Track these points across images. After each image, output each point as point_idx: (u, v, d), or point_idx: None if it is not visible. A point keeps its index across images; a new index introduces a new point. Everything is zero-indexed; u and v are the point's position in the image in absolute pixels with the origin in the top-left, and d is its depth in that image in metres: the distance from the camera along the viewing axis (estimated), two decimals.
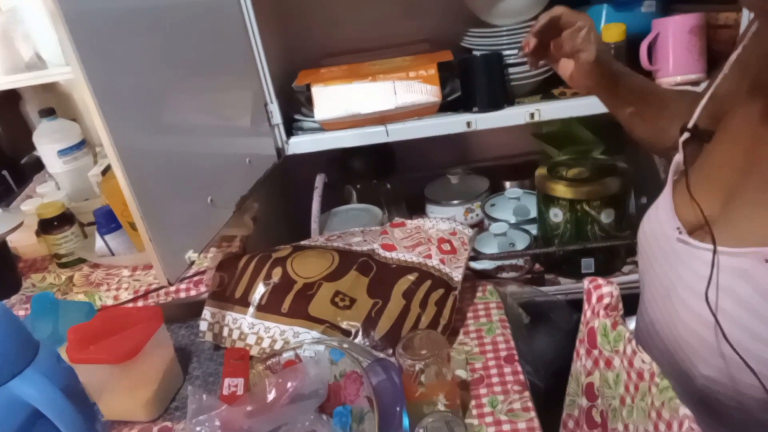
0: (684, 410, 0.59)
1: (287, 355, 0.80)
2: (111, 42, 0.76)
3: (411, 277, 0.94)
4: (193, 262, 0.85)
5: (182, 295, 1.05)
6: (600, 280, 0.75)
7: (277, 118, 1.16)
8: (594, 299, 0.74)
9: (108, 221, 1.10)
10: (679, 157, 0.73)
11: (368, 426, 0.67)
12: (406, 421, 0.70)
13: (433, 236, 1.01)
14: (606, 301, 0.73)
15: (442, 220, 1.03)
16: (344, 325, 0.89)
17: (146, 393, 0.85)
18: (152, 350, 0.86)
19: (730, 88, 0.71)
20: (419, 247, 0.99)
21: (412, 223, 1.05)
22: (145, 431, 0.84)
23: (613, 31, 1.11)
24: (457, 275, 0.96)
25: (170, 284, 0.80)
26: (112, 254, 1.12)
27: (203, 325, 0.98)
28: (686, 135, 0.73)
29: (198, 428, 0.59)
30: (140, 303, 1.05)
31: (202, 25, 0.98)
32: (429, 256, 0.97)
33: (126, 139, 0.76)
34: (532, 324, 1.13)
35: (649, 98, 0.83)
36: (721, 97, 0.72)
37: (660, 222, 0.72)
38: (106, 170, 1.25)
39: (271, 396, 0.71)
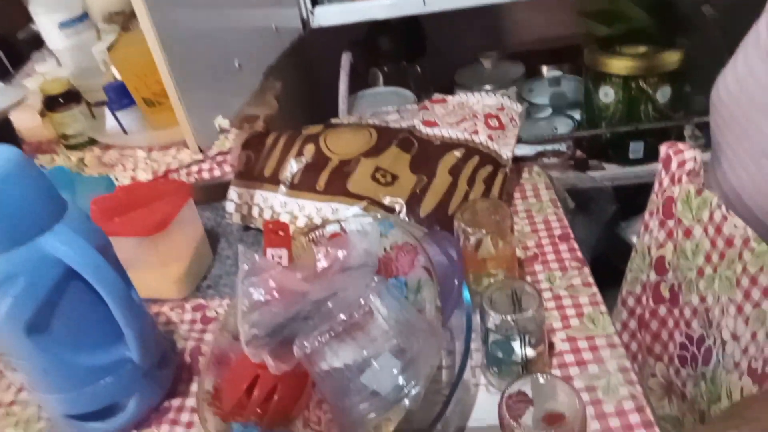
0: None
1: (331, 228, 0.73)
2: None
3: (457, 153, 0.86)
4: (223, 130, 0.77)
5: (205, 175, 0.98)
6: (681, 145, 0.68)
7: None
8: (674, 165, 0.68)
9: (120, 96, 1.01)
10: None
11: (427, 294, 0.62)
12: (466, 294, 0.65)
13: (479, 112, 0.93)
14: (689, 166, 0.66)
15: (488, 95, 0.95)
16: (387, 201, 0.83)
17: (177, 269, 0.80)
18: (181, 224, 0.79)
19: None
20: (464, 123, 0.91)
21: (453, 99, 0.96)
22: (177, 308, 0.79)
23: None
24: (507, 152, 0.88)
25: (201, 151, 0.72)
26: (125, 132, 1.04)
27: (230, 206, 0.91)
28: None
29: (251, 289, 0.53)
30: None
31: None
32: (476, 132, 0.89)
33: (160, 10, 0.68)
34: (573, 215, 1.08)
35: None
36: None
37: (754, 71, 0.63)
38: (111, 47, 1.14)
39: (320, 266, 0.65)
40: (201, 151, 0.72)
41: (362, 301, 0.53)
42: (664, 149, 0.68)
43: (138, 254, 0.77)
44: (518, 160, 1.14)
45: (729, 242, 0.60)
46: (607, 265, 0.88)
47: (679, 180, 0.66)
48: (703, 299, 0.65)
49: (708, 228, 0.63)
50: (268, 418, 0.54)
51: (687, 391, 0.69)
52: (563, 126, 1.14)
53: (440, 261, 0.68)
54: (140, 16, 0.69)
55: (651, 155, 1.09)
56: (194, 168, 0.99)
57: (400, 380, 0.51)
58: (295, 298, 0.56)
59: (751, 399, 0.42)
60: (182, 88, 0.72)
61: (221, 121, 0.76)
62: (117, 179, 0.99)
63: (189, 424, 0.64)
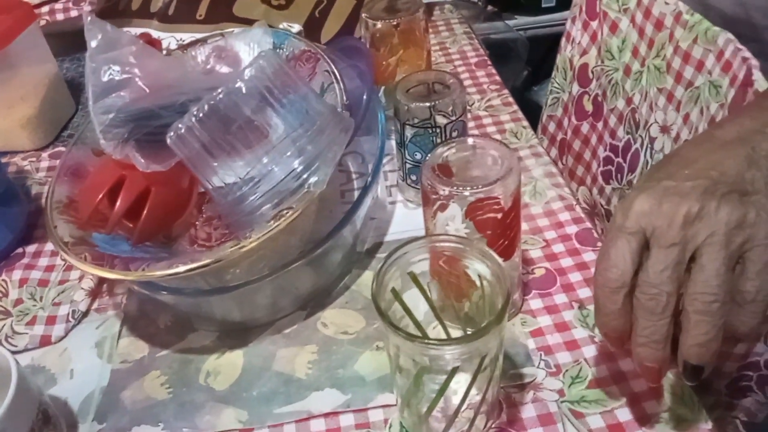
0: (726, 35, 0.48)
1: (214, 43, 0.61)
2: None
3: None
4: None
5: (59, 17, 0.81)
6: None
7: None
8: None
9: None
10: None
11: (331, 97, 0.52)
12: (381, 114, 0.55)
13: None
14: None
15: None
16: (281, 26, 0.71)
17: (26, 111, 0.66)
18: (25, 55, 0.65)
19: None
20: None
21: None
22: (31, 158, 0.65)
23: None
24: None
25: None
26: None
27: None
28: None
29: (104, 66, 0.41)
30: None
31: None
32: None
33: None
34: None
35: None
36: None
37: None
38: None
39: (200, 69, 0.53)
40: None
41: (250, 75, 0.43)
42: None
43: None
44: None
45: (659, 24, 0.55)
46: None
47: None
48: (629, 101, 0.60)
49: (635, 15, 0.58)
50: (140, 231, 0.43)
51: (611, 208, 0.66)
52: None
53: (348, 75, 0.59)
54: None
55: (564, 3, 1.04)
56: (45, 9, 0.81)
57: (296, 165, 0.41)
58: (167, 86, 0.45)
59: (681, 146, 0.37)
60: None
61: None
62: None
63: (49, 268, 0.52)
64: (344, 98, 0.52)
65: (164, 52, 0.70)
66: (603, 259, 0.33)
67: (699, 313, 0.30)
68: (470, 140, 0.41)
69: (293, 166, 0.42)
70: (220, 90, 0.42)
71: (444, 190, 0.37)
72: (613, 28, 0.60)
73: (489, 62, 0.75)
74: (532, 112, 0.85)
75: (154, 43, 0.62)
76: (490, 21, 1.03)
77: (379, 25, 0.57)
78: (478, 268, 0.35)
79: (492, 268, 0.33)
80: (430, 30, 0.83)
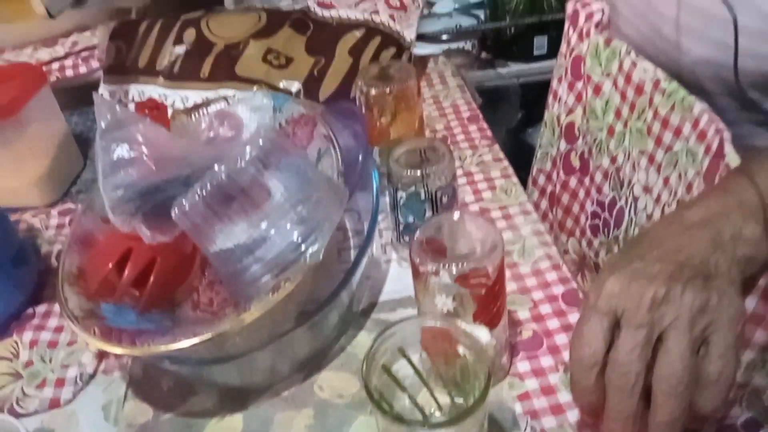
0: (701, 105, 0.51)
1: (217, 107, 0.64)
2: None
3: (357, 33, 0.79)
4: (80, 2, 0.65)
5: (68, 73, 0.84)
6: None
7: None
8: (582, 19, 0.64)
9: None
10: None
11: (327, 162, 0.55)
12: (375, 174, 0.58)
13: None
14: (597, 18, 0.63)
15: None
16: (282, 84, 0.75)
17: (36, 170, 0.68)
18: (36, 115, 0.68)
19: None
20: (363, 4, 0.84)
21: None
22: (40, 215, 0.68)
23: None
24: (410, 34, 0.82)
25: (51, 16, 0.60)
26: None
27: None
28: None
29: (113, 145, 0.44)
30: None
31: None
32: (376, 12, 0.82)
33: None
34: (481, 109, 1.04)
35: None
36: None
37: None
38: None
39: (204, 137, 0.56)
40: (50, 16, 0.60)
41: (251, 156, 0.45)
42: (570, 5, 0.65)
43: None
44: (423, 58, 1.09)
45: (639, 89, 0.58)
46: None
47: (587, 34, 0.63)
48: (613, 160, 0.63)
49: (618, 80, 0.60)
50: (146, 299, 0.45)
51: (600, 261, 0.68)
52: (467, 24, 1.10)
53: (343, 137, 0.62)
54: None
55: (555, 50, 1.07)
56: (55, 66, 0.85)
57: (296, 237, 0.44)
58: (172, 161, 0.48)
59: (651, 226, 0.40)
60: None
61: None
62: None
63: (58, 329, 0.54)
64: (340, 164, 0.55)
65: (170, 113, 0.74)
66: (577, 336, 0.35)
67: (665, 394, 0.32)
68: (456, 215, 0.43)
69: (292, 238, 0.44)
70: (222, 168, 0.45)
71: (432, 266, 0.40)
72: (597, 90, 0.63)
73: (481, 116, 0.78)
74: (526, 154, 0.88)
75: (160, 107, 0.65)
76: (484, 69, 1.06)
77: (373, 91, 0.60)
78: (463, 344, 0.37)
79: (475, 349, 0.36)
80: (425, 82, 0.86)
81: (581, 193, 0.69)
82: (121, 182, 0.44)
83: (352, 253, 0.60)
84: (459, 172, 0.69)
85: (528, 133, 1.23)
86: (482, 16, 1.12)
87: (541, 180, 0.75)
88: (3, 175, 0.67)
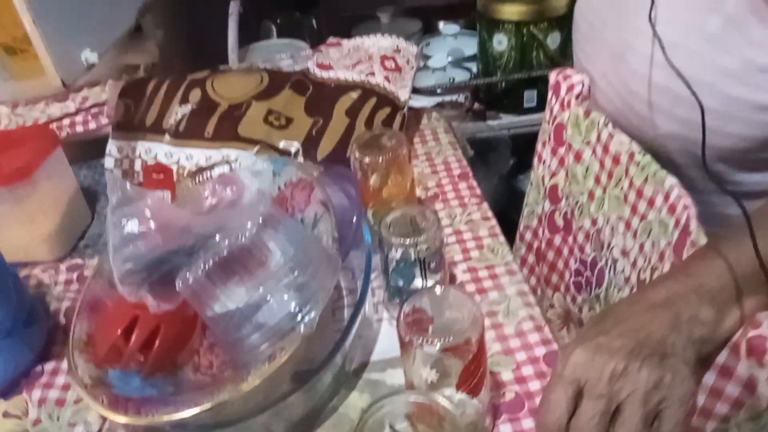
0: (671, 179, 0.55)
1: (220, 170, 0.68)
2: None
3: (354, 95, 0.83)
4: (91, 65, 0.69)
5: (78, 129, 0.89)
6: (569, 70, 0.69)
7: None
8: (563, 90, 0.68)
9: None
10: None
11: (324, 228, 0.59)
12: (367, 236, 0.62)
13: (375, 54, 0.90)
14: (577, 90, 0.67)
15: (384, 37, 0.92)
16: (282, 144, 0.78)
17: (46, 226, 0.72)
18: (49, 175, 0.71)
19: None
20: (360, 66, 0.88)
21: (349, 42, 0.93)
22: (49, 269, 0.71)
23: None
24: (404, 94, 0.87)
25: (65, 86, 0.65)
26: None
27: (109, 162, 0.83)
28: None
29: (124, 220, 0.48)
30: None
31: None
32: (372, 74, 0.87)
33: None
34: (472, 162, 1.08)
35: None
36: None
37: None
38: None
39: (208, 203, 0.60)
40: (64, 86, 0.64)
41: (251, 225, 0.49)
42: (553, 76, 0.69)
43: (1, 213, 0.68)
44: (418, 111, 1.14)
45: (616, 160, 0.62)
46: (506, 218, 0.89)
47: (568, 104, 0.67)
48: (594, 222, 0.67)
49: (596, 149, 0.64)
50: (151, 364, 0.49)
51: (583, 317, 0.71)
52: (460, 77, 1.14)
53: (338, 198, 0.65)
54: None
55: (544, 103, 1.12)
56: (66, 122, 0.89)
57: (293, 307, 0.47)
58: (178, 233, 0.51)
59: (617, 303, 0.43)
60: (39, 15, 0.63)
61: (89, 55, 0.69)
62: None
63: (65, 387, 0.57)
64: (335, 231, 0.58)
65: (175, 171, 0.78)
66: (543, 403, 0.38)
67: None
68: (438, 290, 0.47)
69: (290, 308, 0.48)
70: (224, 242, 0.48)
71: (417, 339, 0.43)
72: (578, 157, 0.67)
73: (470, 174, 0.82)
74: (518, 200, 0.91)
75: (166, 171, 0.69)
76: (476, 120, 1.11)
77: (366, 159, 0.64)
78: (447, 417, 0.40)
79: (457, 423, 0.39)
80: (418, 138, 0.91)
81: (565, 251, 0.73)
82: (130, 256, 0.48)
83: (346, 312, 0.63)
84: (449, 230, 0.72)
85: (520, 180, 1.27)
86: (474, 69, 1.17)
87: (528, 236, 0.79)
88: (15, 232, 0.71)
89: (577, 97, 0.67)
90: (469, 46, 1.22)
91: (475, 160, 1.06)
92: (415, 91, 1.11)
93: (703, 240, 0.48)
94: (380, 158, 0.63)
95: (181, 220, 0.53)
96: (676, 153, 0.59)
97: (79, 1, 0.72)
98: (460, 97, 1.13)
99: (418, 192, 0.78)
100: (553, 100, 0.70)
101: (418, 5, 1.36)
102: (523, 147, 1.24)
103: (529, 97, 1.10)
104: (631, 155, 0.59)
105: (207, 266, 0.47)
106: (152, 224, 0.49)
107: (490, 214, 0.74)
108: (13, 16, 0.67)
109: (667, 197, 0.55)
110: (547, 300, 0.77)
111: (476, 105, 1.16)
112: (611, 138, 0.62)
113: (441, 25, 1.30)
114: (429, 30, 1.31)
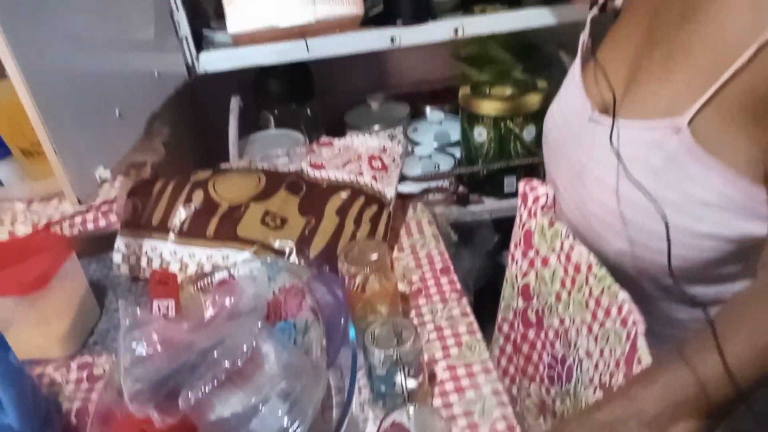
0: (623, 294, 0.61)
1: (220, 275, 0.75)
2: None
3: (343, 195, 0.91)
4: (104, 181, 0.76)
5: (89, 226, 0.96)
6: (535, 182, 0.76)
7: (185, 29, 1.06)
8: (530, 200, 0.76)
9: None
10: (585, 35, 0.73)
11: (314, 335, 0.65)
12: (352, 332, 0.68)
13: (363, 154, 0.98)
14: (542, 201, 0.74)
15: (371, 137, 1.00)
16: (277, 244, 0.85)
17: (60, 327, 0.78)
18: (63, 280, 0.78)
19: None
20: (349, 165, 0.96)
21: (340, 142, 1.01)
22: (61, 367, 0.77)
23: None
24: (390, 192, 0.94)
25: (80, 203, 0.72)
26: (1, 185, 0.99)
27: (117, 257, 0.90)
28: (594, 11, 0.72)
29: (134, 343, 0.54)
30: None
31: None
32: (360, 174, 0.95)
33: (26, 50, 0.67)
34: (458, 247, 1.15)
35: None
36: None
37: (570, 104, 0.72)
38: None
39: (208, 314, 0.66)
40: (80, 203, 0.71)
41: (246, 348, 0.55)
42: (521, 186, 0.77)
43: (16, 313, 0.74)
44: (406, 197, 1.21)
45: (577, 268, 0.68)
46: (492, 291, 0.96)
47: (535, 214, 0.74)
48: (562, 322, 0.73)
49: (560, 256, 0.71)
50: None
51: (557, 408, 0.76)
52: (445, 163, 1.22)
53: (327, 300, 0.72)
54: (6, 61, 0.66)
55: None
56: (78, 219, 0.96)
57: (285, 421, 0.53)
58: (181, 349, 0.57)
59: (569, 419, 0.49)
60: (57, 138, 0.70)
61: (102, 172, 0.76)
62: None
63: None
64: (324, 340, 0.65)
65: (179, 277, 0.84)
66: None
67: None
68: (411, 409, 0.53)
69: (282, 423, 0.53)
70: (223, 362, 0.54)
71: None
72: (545, 261, 0.74)
73: (452, 269, 0.88)
74: (503, 275, 0.97)
75: (170, 279, 0.75)
76: (460, 204, 1.18)
77: (353, 269, 0.70)
78: None
79: None
80: (404, 231, 0.98)
81: (539, 345, 0.79)
82: (139, 377, 0.54)
83: (335, 413, 0.68)
84: (430, 326, 0.78)
85: (504, 255, 1.34)
86: (458, 154, 1.25)
87: (506, 327, 0.85)
88: (29, 333, 0.77)
89: (542, 207, 0.74)
90: (454, 130, 1.31)
91: (459, 242, 1.14)
92: (404, 177, 1.19)
93: (647, 359, 0.54)
94: (365, 268, 0.70)
95: (184, 336, 0.59)
96: (628, 266, 0.65)
97: (94, 122, 0.80)
98: (445, 182, 1.21)
99: (403, 287, 0.84)
100: (522, 208, 0.77)
101: (406, 91, 1.46)
102: (507, 226, 1.32)
103: (509, 182, 1.18)
104: (590, 267, 0.66)
105: (207, 387, 0.52)
106: (158, 346, 0.55)
107: (468, 309, 0.80)
108: (31, 124, 0.75)
109: (620, 310, 0.61)
110: (525, 389, 0.82)
111: (461, 188, 1.23)
112: (572, 249, 0.69)
113: (428, 110, 1.40)
114: (417, 114, 1.40)
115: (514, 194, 1.19)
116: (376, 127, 1.34)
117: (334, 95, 1.42)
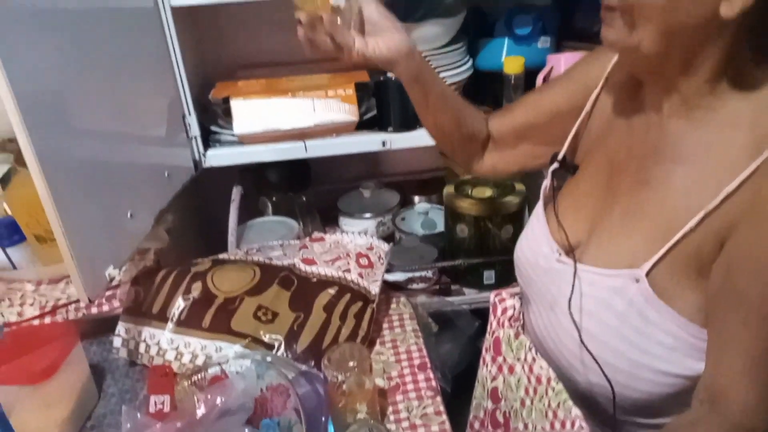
0: (576, 411, 0.68)
1: (213, 371, 0.81)
2: (22, 40, 0.72)
3: (331, 291, 0.98)
4: (113, 279, 0.84)
5: (94, 310, 1.02)
6: (504, 294, 0.84)
7: (195, 130, 1.16)
8: (499, 311, 0.83)
9: (11, 233, 1.05)
10: (546, 183, 0.80)
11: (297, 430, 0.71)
12: (331, 430, 0.75)
13: (352, 251, 1.06)
14: (510, 313, 0.82)
15: (360, 235, 1.09)
16: (267, 338, 0.92)
17: (61, 412, 0.83)
18: (67, 368, 0.84)
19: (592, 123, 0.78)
20: (338, 262, 1.04)
21: (330, 238, 1.10)
22: None
23: (513, 64, 1.22)
24: (375, 288, 1.02)
25: (91, 302, 0.79)
26: (14, 268, 1.07)
27: (117, 341, 0.96)
28: (555, 165, 0.79)
29: None
30: (47, 319, 1.01)
31: (118, 31, 0.96)
32: (348, 271, 1.02)
33: (46, 144, 0.73)
34: (440, 331, 1.22)
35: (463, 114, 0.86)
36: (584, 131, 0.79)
37: (538, 244, 0.79)
38: (4, 179, 1.18)
39: (200, 412, 0.73)
40: (90, 302, 0.78)
41: None
42: (492, 297, 0.84)
43: (22, 399, 0.80)
44: (392, 285, 1.29)
45: (538, 380, 0.75)
46: (472, 373, 1.01)
47: (503, 324, 0.82)
48: (526, 426, 0.79)
49: (524, 366, 0.78)
50: None
51: None
52: (430, 253, 1.31)
53: (310, 398, 0.79)
54: (25, 151, 0.71)
55: (502, 280, 1.28)
56: (83, 303, 1.03)
57: None
58: None
59: None
60: (73, 240, 0.77)
61: (112, 272, 0.84)
62: (3, 315, 1.01)
63: None
64: None
65: (176, 368, 0.90)
66: None
67: None
68: None
69: None
70: None
71: None
72: (511, 369, 0.81)
73: (429, 365, 0.95)
74: None
75: (168, 374, 0.82)
76: (441, 294, 1.26)
77: (335, 371, 0.77)
78: None
79: None
80: (386, 324, 1.04)
81: None
82: None
83: None
84: (405, 424, 0.84)
85: (482, 341, 1.40)
86: (441, 244, 1.34)
87: (477, 425, 0.91)
88: (32, 416, 0.82)
89: (510, 318, 0.81)
90: (440, 219, 1.39)
91: (440, 331, 1.20)
92: (391, 267, 1.27)
93: None
94: (346, 373, 0.77)
95: None
96: (585, 392, 0.73)
97: (107, 220, 0.87)
98: (429, 273, 1.29)
99: (382, 383, 0.91)
100: (492, 317, 0.85)
101: (396, 180, 1.56)
102: (486, 314, 1.39)
103: (488, 275, 1.26)
104: (549, 380, 0.73)
105: None
106: None
107: (442, 408, 0.86)
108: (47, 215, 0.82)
109: (573, 425, 0.68)
110: None
111: (443, 278, 1.31)
112: (534, 361, 0.76)
113: (416, 200, 1.49)
114: (406, 203, 1.49)
115: (493, 285, 1.27)
116: (367, 214, 1.43)
117: (328, 182, 1.52)
